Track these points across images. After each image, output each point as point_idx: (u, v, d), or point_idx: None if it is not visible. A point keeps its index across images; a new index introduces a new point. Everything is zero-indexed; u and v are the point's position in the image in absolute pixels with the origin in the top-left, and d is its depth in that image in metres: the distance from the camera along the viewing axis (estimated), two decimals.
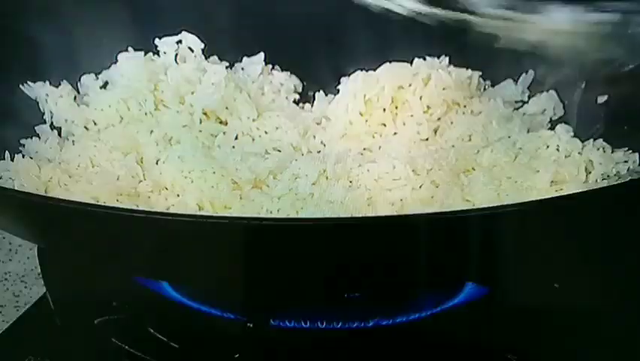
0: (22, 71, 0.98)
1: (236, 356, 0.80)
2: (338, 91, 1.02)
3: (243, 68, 1.05)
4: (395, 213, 0.85)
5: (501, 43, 0.90)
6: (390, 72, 0.99)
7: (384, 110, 0.97)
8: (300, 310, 0.80)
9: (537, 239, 0.74)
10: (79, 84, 1.01)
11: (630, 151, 0.90)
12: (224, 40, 1.05)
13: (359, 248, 0.69)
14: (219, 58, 1.05)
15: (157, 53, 1.03)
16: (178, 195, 0.88)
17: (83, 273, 0.83)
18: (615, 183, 0.87)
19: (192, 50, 1.02)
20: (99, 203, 0.84)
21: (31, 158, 0.92)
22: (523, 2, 0.88)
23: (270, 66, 1.06)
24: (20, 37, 0.98)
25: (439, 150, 0.94)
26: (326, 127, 1.00)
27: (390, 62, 1.00)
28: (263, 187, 0.89)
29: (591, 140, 0.92)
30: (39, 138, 0.96)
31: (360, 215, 0.84)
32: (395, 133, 0.97)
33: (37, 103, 0.98)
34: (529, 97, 1.01)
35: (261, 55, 1.05)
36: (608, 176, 0.89)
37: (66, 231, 0.75)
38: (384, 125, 0.98)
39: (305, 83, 1.06)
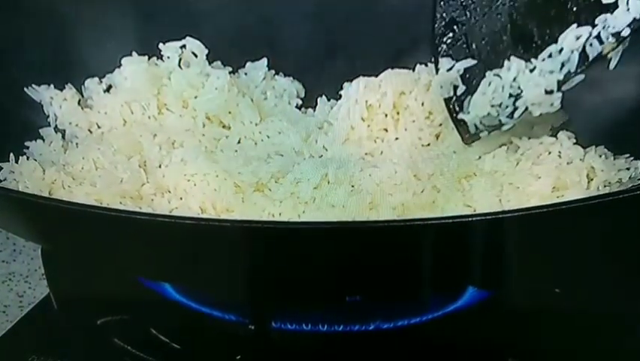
0: (27, 75, 0.98)
1: (238, 357, 0.81)
2: (340, 96, 1.02)
3: (246, 73, 1.06)
4: (396, 218, 0.85)
5: None
6: (392, 78, 0.99)
7: (386, 115, 0.98)
8: (301, 313, 0.80)
9: (538, 244, 0.74)
10: (83, 88, 1.02)
11: (632, 158, 0.90)
12: (227, 45, 1.05)
13: (360, 252, 0.70)
14: (223, 63, 1.05)
15: (161, 57, 1.03)
16: (181, 198, 0.88)
17: (85, 274, 0.84)
18: (617, 190, 0.87)
19: (196, 56, 1.03)
20: (102, 205, 0.84)
21: (35, 160, 0.92)
22: None
23: (273, 71, 1.06)
24: (25, 42, 0.99)
25: (441, 155, 0.94)
26: (328, 132, 1.00)
27: (392, 68, 1.00)
28: (265, 191, 0.89)
29: (593, 147, 0.92)
30: (43, 140, 0.96)
31: (361, 219, 0.84)
32: (397, 138, 0.98)
33: (42, 106, 0.99)
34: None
35: (264, 60, 1.06)
36: (610, 183, 0.89)
37: (69, 232, 0.76)
38: (386, 130, 0.98)
39: (307, 89, 1.07)
